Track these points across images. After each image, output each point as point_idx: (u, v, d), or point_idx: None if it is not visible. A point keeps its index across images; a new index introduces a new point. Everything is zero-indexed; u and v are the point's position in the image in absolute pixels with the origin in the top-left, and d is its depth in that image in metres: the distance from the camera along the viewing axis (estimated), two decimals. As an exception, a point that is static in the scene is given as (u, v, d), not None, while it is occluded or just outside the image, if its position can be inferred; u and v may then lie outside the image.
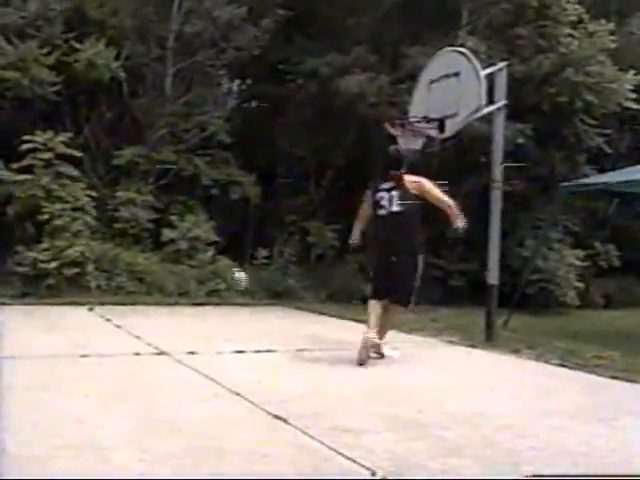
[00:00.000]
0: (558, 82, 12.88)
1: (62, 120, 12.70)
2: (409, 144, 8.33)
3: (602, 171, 13.07)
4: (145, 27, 13.39)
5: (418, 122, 8.51)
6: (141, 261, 11.93)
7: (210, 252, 12.71)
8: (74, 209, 11.49)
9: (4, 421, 3.89)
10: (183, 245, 12.54)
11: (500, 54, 11.40)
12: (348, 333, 8.86)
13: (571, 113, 13.26)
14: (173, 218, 12.87)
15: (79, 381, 5.10)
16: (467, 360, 7.17)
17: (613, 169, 12.09)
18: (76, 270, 10.86)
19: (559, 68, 12.87)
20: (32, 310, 9.52)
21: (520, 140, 12.46)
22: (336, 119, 13.95)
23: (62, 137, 11.77)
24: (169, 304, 10.96)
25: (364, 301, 12.04)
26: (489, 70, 8.20)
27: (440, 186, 7.00)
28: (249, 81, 16.30)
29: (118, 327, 8.15)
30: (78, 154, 11.95)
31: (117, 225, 12.56)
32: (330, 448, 3.60)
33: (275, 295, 12.44)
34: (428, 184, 6.87)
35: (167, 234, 12.64)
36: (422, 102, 8.68)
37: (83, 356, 6.02)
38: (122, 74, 12.77)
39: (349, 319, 10.00)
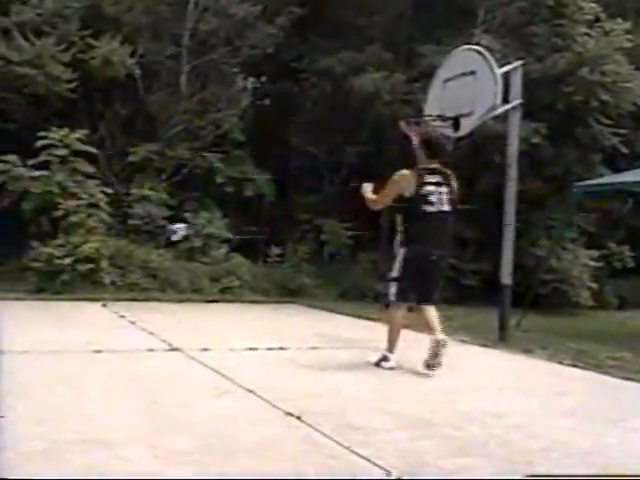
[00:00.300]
0: (573, 81, 12.81)
1: (77, 117, 12.78)
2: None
3: (617, 171, 13.00)
4: (160, 24, 13.46)
5: (433, 120, 8.50)
6: (155, 258, 11.98)
7: (224, 249, 12.74)
8: (89, 205, 11.53)
9: (16, 415, 3.92)
10: (197, 242, 12.59)
11: (515, 53, 11.36)
12: (360, 331, 8.90)
13: (586, 112, 13.19)
14: (187, 215, 12.92)
15: (92, 377, 5.13)
16: (480, 360, 7.16)
17: (628, 169, 12.02)
18: (90, 266, 10.91)
19: (575, 67, 12.80)
20: (46, 305, 9.58)
21: (535, 139, 12.41)
22: (350, 117, 13.96)
23: (77, 134, 11.82)
24: (182, 301, 10.99)
25: (377, 300, 12.12)
26: (505, 69, 8.18)
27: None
28: (263, 79, 16.36)
29: (132, 323, 8.18)
30: (93, 151, 12.02)
31: (131, 222, 12.62)
32: (343, 446, 3.61)
33: (288, 293, 12.46)
34: None
35: (179, 232, 12.70)
36: (437, 100, 8.67)
37: (96, 352, 6.05)
38: (137, 71, 12.84)
39: (361, 317, 10.02)
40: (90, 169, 11.91)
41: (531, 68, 11.16)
